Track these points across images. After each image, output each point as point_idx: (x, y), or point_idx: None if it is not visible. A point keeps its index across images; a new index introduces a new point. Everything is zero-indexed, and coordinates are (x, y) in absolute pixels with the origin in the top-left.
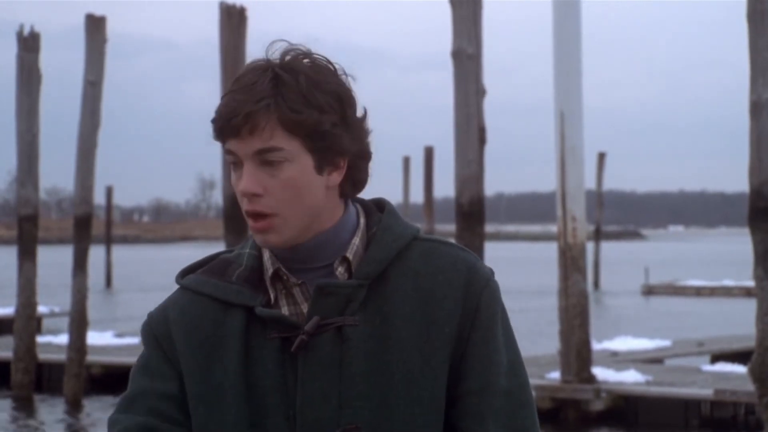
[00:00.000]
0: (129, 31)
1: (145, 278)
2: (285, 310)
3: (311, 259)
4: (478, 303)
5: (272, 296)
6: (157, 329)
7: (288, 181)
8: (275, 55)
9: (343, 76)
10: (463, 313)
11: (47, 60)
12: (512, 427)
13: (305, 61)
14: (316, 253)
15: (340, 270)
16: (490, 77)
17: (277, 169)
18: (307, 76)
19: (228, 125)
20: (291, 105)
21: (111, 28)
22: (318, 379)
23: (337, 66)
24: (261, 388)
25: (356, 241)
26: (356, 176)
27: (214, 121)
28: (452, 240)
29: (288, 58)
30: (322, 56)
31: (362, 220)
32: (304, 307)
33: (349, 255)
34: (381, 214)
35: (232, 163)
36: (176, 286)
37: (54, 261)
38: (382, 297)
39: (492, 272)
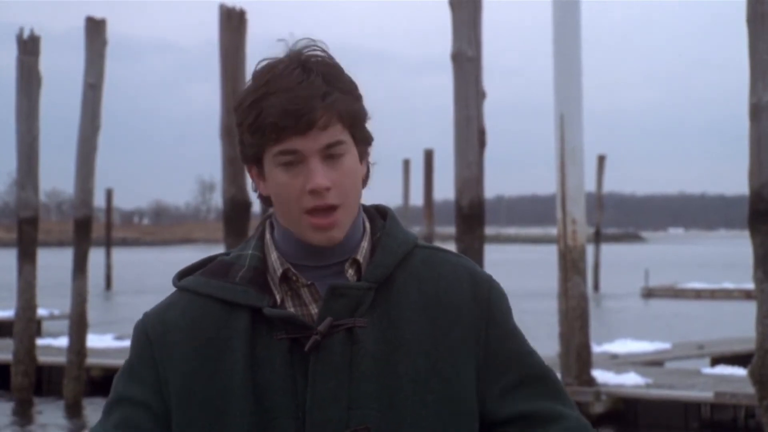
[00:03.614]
0: (131, 34)
1: (145, 281)
2: (292, 311)
3: (327, 256)
4: (489, 302)
5: (278, 297)
6: (152, 329)
7: (348, 171)
8: (299, 50)
9: None
10: (474, 316)
11: (49, 62)
12: (570, 404)
13: (326, 54)
14: (334, 249)
15: (350, 272)
16: (490, 79)
17: (339, 162)
18: (338, 68)
19: (299, 122)
20: (346, 98)
21: (113, 30)
22: (328, 379)
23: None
24: (269, 389)
25: (365, 244)
26: (367, 167)
27: (271, 122)
28: (452, 243)
29: (314, 52)
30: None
31: (367, 225)
32: (312, 308)
33: (359, 257)
34: (383, 221)
35: (286, 163)
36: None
37: (54, 263)
38: (388, 301)
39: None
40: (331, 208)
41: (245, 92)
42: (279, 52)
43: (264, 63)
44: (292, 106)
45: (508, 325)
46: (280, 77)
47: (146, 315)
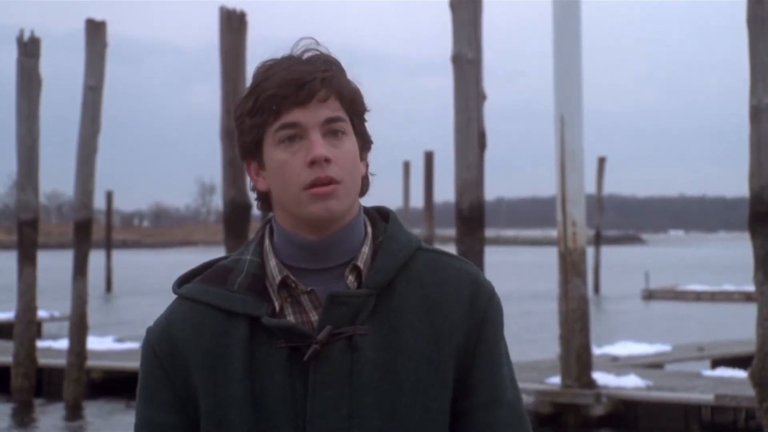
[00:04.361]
0: (131, 35)
1: (146, 283)
2: (291, 319)
3: (329, 255)
4: (485, 316)
5: (277, 305)
6: (159, 345)
7: (349, 152)
8: (299, 50)
9: None
10: (470, 326)
11: (50, 63)
12: None
13: (329, 54)
14: (335, 247)
15: (350, 278)
16: (490, 81)
17: (340, 140)
18: (343, 67)
19: (300, 91)
20: (348, 82)
21: (113, 32)
22: (329, 388)
23: None
24: (268, 398)
25: (365, 249)
26: (368, 175)
27: (271, 95)
28: (453, 244)
29: (313, 52)
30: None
31: (369, 229)
32: (312, 316)
33: (360, 263)
34: (385, 224)
35: (289, 137)
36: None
37: (54, 265)
38: (390, 307)
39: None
40: (331, 181)
41: (250, 85)
42: (301, 46)
43: (263, 62)
44: (292, 76)
45: (494, 344)
46: (280, 63)
47: (150, 332)
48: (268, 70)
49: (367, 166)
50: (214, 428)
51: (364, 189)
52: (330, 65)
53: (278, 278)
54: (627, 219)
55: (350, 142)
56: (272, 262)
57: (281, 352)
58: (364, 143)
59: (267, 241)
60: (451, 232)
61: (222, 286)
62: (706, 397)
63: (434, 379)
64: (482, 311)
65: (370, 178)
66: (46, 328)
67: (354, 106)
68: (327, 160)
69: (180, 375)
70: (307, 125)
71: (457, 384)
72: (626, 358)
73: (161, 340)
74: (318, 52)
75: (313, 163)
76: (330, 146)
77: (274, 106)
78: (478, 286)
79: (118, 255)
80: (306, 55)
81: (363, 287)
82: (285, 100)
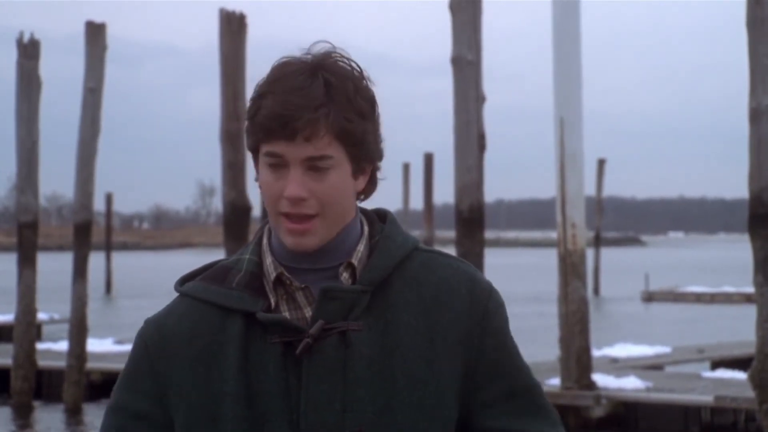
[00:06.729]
0: (131, 37)
1: (145, 285)
2: (287, 315)
3: (321, 259)
4: (486, 311)
5: (273, 301)
6: (150, 337)
7: (332, 186)
8: (316, 55)
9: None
10: (470, 322)
11: (51, 65)
12: (554, 421)
13: (346, 65)
14: (328, 253)
15: (345, 275)
16: (489, 83)
17: (324, 175)
18: (353, 81)
19: (284, 128)
20: (344, 114)
21: (114, 34)
22: (322, 382)
23: (363, 69)
24: (262, 393)
25: (361, 248)
26: (373, 181)
27: (261, 122)
28: (452, 246)
29: (331, 60)
30: (353, 60)
31: (366, 228)
32: (307, 311)
33: (354, 261)
34: (383, 224)
35: (272, 164)
36: (176, 294)
37: (54, 268)
38: (385, 304)
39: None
40: (306, 217)
41: (259, 82)
42: (317, 52)
43: (282, 60)
44: (282, 110)
45: (503, 336)
46: (285, 78)
47: (147, 323)
48: (272, 83)
49: (373, 171)
50: (208, 423)
51: (367, 194)
52: (331, 94)
53: (273, 275)
54: (627, 221)
55: (336, 175)
56: (268, 260)
57: (275, 347)
58: (366, 163)
59: (265, 240)
60: (451, 234)
61: (221, 284)
62: (706, 398)
63: (429, 377)
64: (483, 306)
65: (379, 182)
66: (45, 330)
67: (350, 140)
68: (302, 200)
69: (166, 368)
70: (289, 159)
71: (467, 379)
72: (626, 359)
73: (153, 334)
74: (333, 64)
75: (287, 198)
76: (311, 181)
77: (262, 135)
78: (475, 283)
79: (117, 257)
80: (321, 62)
81: (357, 284)
82: (272, 132)
